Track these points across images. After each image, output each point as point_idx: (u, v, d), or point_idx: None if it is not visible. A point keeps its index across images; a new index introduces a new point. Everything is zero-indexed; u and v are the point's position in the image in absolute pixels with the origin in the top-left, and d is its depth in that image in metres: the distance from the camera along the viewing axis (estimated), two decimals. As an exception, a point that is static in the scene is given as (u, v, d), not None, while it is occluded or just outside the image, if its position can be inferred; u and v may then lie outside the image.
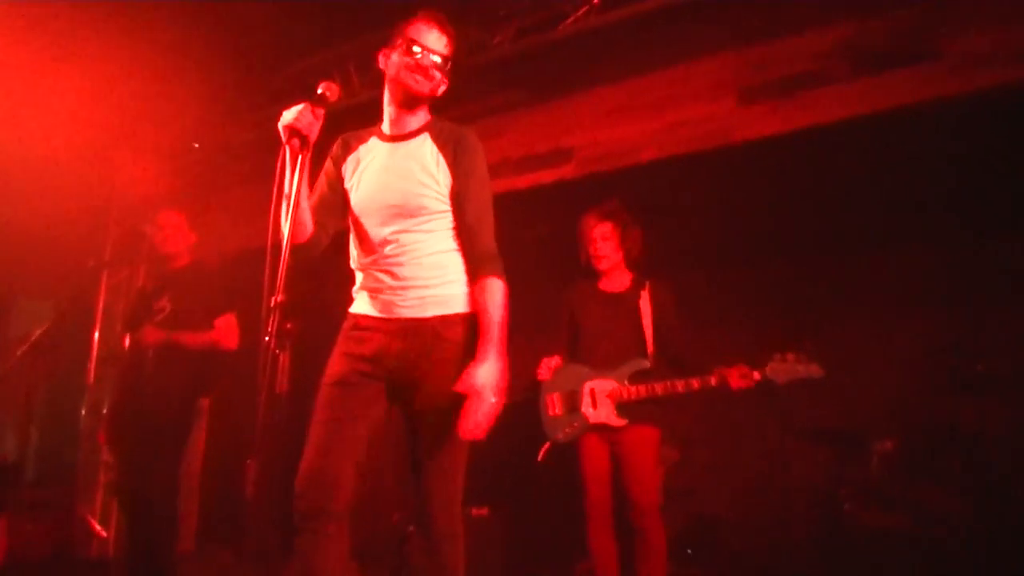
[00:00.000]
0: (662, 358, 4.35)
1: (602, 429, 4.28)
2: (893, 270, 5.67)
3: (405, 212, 2.80)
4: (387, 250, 2.82)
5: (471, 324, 2.76)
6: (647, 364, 4.28)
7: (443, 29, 2.89)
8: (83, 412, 7.56)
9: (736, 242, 5.92)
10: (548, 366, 4.41)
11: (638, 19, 4.93)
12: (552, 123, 5.70)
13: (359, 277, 2.93)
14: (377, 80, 5.89)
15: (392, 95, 2.94)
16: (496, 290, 2.76)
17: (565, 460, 4.37)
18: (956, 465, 4.51)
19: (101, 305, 7.80)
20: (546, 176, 5.70)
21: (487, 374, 2.63)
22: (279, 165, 2.73)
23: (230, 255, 5.06)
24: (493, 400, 2.61)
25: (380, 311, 2.83)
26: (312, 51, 5.93)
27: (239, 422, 4.26)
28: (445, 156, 2.86)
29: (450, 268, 2.83)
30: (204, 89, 6.38)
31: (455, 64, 2.95)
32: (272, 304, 2.52)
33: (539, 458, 4.35)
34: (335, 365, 2.83)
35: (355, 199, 2.90)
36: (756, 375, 4.13)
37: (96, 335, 7.73)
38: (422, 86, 2.85)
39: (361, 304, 2.89)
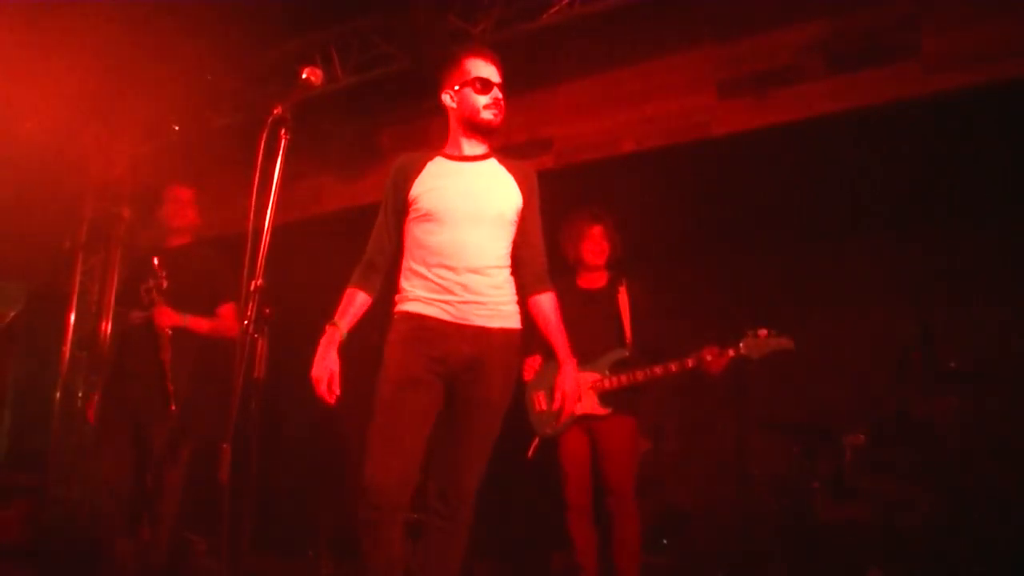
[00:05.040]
0: (640, 349, 4.45)
1: (585, 419, 4.37)
2: (862, 262, 5.73)
3: (484, 221, 3.07)
4: (460, 257, 3.04)
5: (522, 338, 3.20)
6: (626, 353, 4.42)
7: (495, 62, 3.19)
8: (57, 395, 7.51)
9: (711, 233, 5.97)
10: (531, 366, 4.53)
11: (621, 10, 4.94)
12: (532, 113, 5.71)
13: (416, 281, 3.09)
14: (359, 65, 5.90)
15: (465, 128, 3.18)
16: (556, 302, 3.27)
17: (542, 451, 4.45)
18: (923, 458, 4.57)
19: (76, 288, 7.75)
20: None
21: (576, 379, 3.22)
22: (260, 150, 2.75)
23: (208, 240, 5.00)
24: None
25: (453, 317, 3.04)
26: (294, 34, 5.90)
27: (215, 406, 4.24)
28: (515, 177, 3.18)
29: (511, 284, 3.18)
30: (184, 71, 6.34)
31: None
32: (251, 289, 2.54)
33: (529, 455, 4.44)
34: (403, 363, 3.01)
35: (430, 206, 3.07)
36: (730, 352, 4.28)
37: (71, 318, 7.68)
38: (499, 118, 3.15)
39: (425, 307, 3.06)
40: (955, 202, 5.28)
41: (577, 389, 3.19)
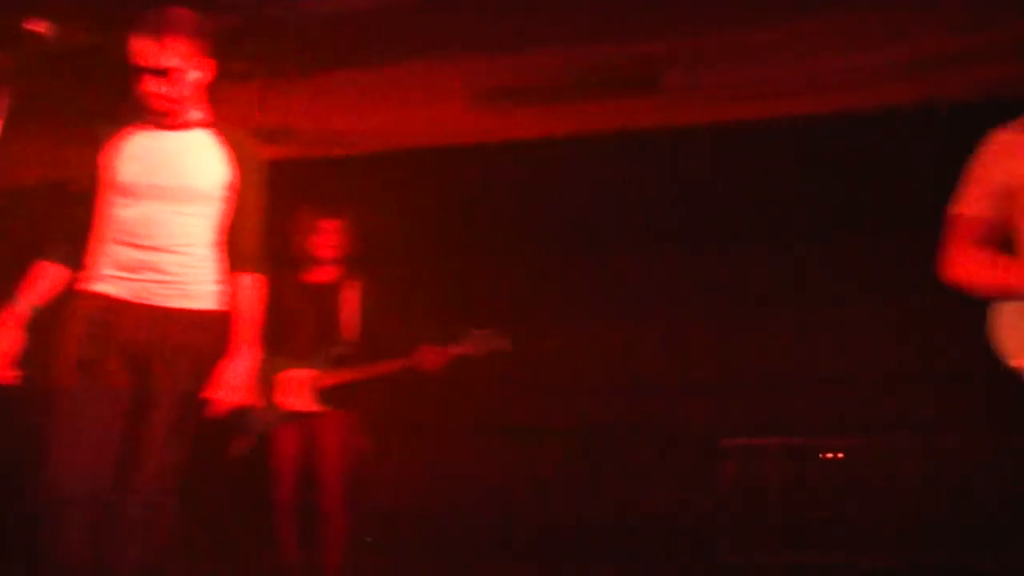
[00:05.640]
0: (370, 349, 4.40)
1: (298, 417, 4.30)
2: (591, 276, 5.95)
3: (177, 197, 2.77)
4: (146, 235, 2.76)
5: (223, 321, 2.85)
6: (344, 350, 4.36)
7: (155, 37, 2.69)
8: None
9: (451, 237, 6.01)
10: None
11: (383, 9, 4.91)
12: (280, 101, 5.55)
13: (100, 258, 2.78)
14: (100, 26, 5.52)
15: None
16: (261, 287, 2.92)
17: (252, 449, 4.33)
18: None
19: None
20: (264, 152, 5.56)
21: (246, 371, 2.85)
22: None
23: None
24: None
25: (133, 296, 2.76)
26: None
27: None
28: (230, 151, 2.86)
29: (211, 263, 2.85)
30: None
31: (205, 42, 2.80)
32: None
33: (232, 453, 4.28)
34: (78, 345, 2.71)
35: (117, 178, 2.75)
36: (448, 351, 4.31)
37: None
38: (162, 105, 2.76)
39: (107, 285, 2.77)
40: (690, 227, 5.58)
41: (237, 386, 2.84)
